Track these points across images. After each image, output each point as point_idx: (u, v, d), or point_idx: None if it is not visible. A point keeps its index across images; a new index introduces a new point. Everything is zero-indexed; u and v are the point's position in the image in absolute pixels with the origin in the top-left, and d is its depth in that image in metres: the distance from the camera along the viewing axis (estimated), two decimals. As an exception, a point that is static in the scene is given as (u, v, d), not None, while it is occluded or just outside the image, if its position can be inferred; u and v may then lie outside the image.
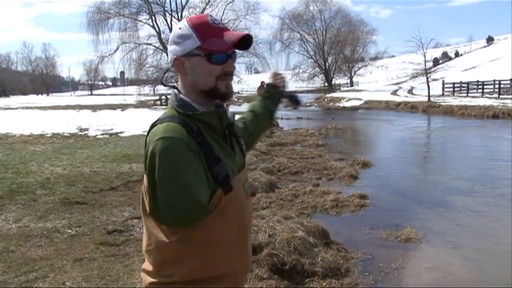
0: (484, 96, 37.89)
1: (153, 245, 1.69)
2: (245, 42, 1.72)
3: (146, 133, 1.67)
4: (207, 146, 1.61)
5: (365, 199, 7.97)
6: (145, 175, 1.66)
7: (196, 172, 1.53)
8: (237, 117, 2.02)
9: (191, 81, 1.70)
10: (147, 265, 1.75)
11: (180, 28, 1.70)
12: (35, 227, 6.07)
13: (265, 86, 2.36)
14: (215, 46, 1.65)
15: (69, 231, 5.93)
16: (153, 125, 1.65)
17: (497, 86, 38.49)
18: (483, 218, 7.07)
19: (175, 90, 1.75)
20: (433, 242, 6.07)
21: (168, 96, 40.62)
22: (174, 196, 1.52)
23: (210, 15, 1.74)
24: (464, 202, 7.92)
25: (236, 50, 1.76)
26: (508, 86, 39.35)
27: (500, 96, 35.47)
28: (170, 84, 1.87)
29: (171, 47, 1.72)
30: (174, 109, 1.69)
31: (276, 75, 2.34)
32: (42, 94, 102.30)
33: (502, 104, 27.76)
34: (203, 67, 1.67)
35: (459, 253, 5.74)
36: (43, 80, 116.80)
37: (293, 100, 2.40)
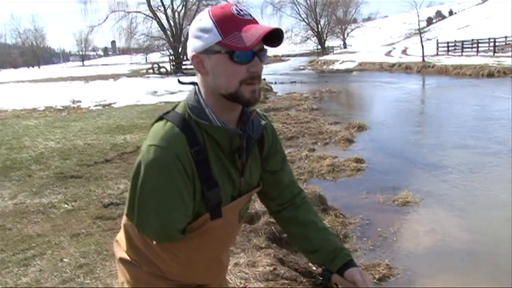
0: (479, 54, 37.59)
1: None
2: (275, 36, 1.41)
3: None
4: (206, 167, 1.43)
5: (362, 163, 7.96)
6: None
7: (180, 196, 1.39)
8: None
9: (211, 82, 1.44)
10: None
11: (200, 20, 1.43)
12: (31, 203, 6.02)
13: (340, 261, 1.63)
14: (239, 41, 1.36)
15: (65, 206, 5.89)
16: (158, 119, 1.48)
17: (492, 44, 38.17)
18: (479, 179, 7.06)
19: (196, 87, 1.50)
20: (431, 205, 6.08)
21: (161, 64, 40.46)
22: (147, 215, 1.41)
23: (236, 5, 1.45)
24: (461, 163, 7.92)
25: (266, 47, 1.46)
26: (503, 44, 39.11)
27: (495, 54, 35.25)
28: (188, 81, 1.59)
29: (190, 41, 1.47)
30: (187, 108, 1.46)
31: None
32: (33, 67, 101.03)
33: (497, 62, 27.60)
34: (225, 67, 1.39)
35: (457, 215, 5.75)
36: (33, 53, 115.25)
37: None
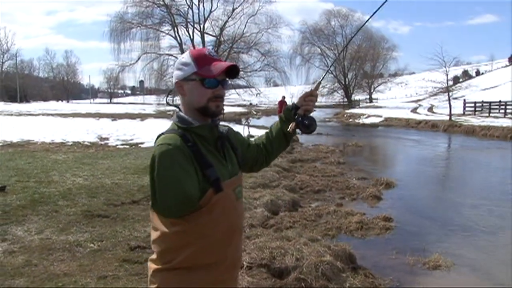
0: (506, 116, 37.30)
1: (157, 235, 2.00)
2: (234, 71, 2.06)
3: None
4: (199, 153, 1.96)
5: (390, 221, 7.82)
6: None
7: (186, 170, 1.88)
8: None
9: (188, 101, 2.08)
10: (153, 255, 2.07)
11: (183, 57, 2.09)
12: (57, 240, 6.00)
13: (288, 106, 2.41)
14: (207, 72, 2.00)
15: (91, 245, 5.84)
16: (158, 136, 2.04)
17: (520, 107, 37.85)
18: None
19: (176, 109, 2.13)
20: (463, 270, 5.93)
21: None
22: (166, 188, 1.86)
23: (208, 49, 2.16)
24: (492, 227, 7.79)
25: (228, 79, 2.12)
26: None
27: (524, 117, 34.88)
28: (174, 104, 2.22)
29: (175, 73, 2.11)
30: (175, 124, 2.08)
31: (307, 97, 2.38)
32: (62, 101, 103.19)
33: (526, 126, 27.24)
34: (197, 89, 2.03)
35: (491, 282, 5.59)
36: (63, 87, 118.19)
37: (303, 126, 2.33)
